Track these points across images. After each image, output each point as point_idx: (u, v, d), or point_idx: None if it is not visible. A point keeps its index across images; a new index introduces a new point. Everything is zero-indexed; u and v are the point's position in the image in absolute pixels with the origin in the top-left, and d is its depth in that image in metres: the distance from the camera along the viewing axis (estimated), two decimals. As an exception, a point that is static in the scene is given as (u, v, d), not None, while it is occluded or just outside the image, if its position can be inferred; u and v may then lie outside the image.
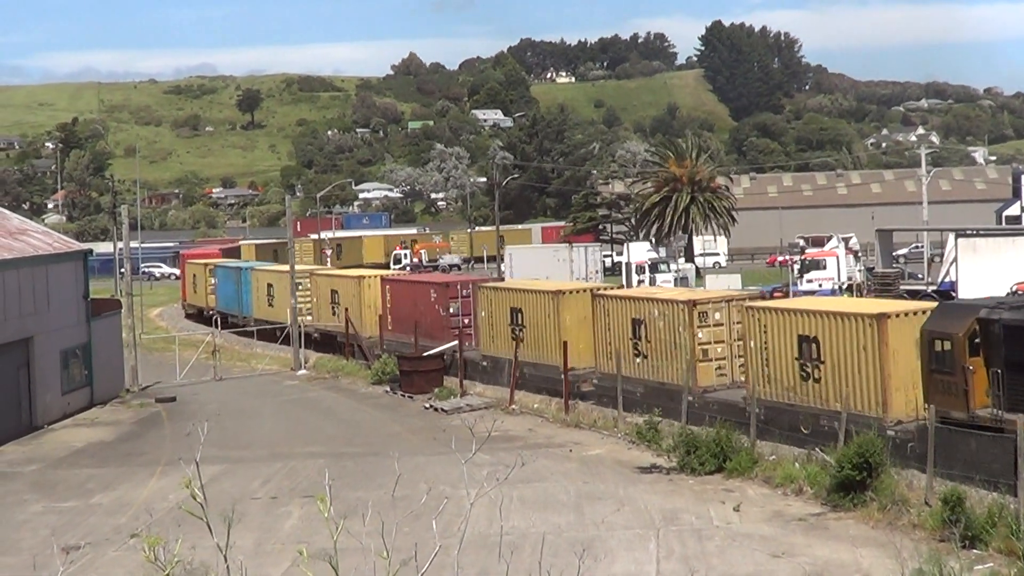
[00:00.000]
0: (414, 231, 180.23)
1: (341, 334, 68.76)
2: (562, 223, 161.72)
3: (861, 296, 69.13)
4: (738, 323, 43.52)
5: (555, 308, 51.20)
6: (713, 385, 44.19)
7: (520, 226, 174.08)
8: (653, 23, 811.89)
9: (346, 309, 68.63)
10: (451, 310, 59.07)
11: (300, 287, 72.13)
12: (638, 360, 46.44)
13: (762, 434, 38.84)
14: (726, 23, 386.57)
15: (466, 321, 58.57)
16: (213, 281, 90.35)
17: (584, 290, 52.72)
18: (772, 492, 34.80)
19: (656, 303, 46.14)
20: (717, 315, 44.54)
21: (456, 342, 57.35)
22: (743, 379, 42.48)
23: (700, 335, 44.14)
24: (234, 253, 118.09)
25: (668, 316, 45.06)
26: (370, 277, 69.07)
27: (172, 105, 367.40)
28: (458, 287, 60.04)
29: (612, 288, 55.41)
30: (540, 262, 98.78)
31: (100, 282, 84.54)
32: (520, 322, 53.47)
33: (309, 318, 72.63)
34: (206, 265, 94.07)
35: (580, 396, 49.85)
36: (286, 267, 77.15)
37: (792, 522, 31.65)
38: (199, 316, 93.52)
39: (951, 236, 71.98)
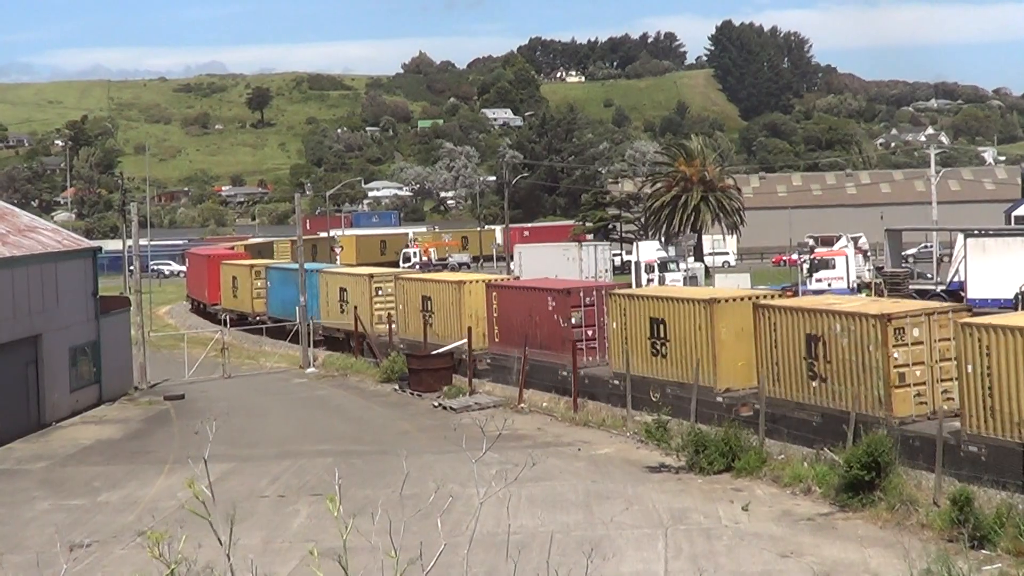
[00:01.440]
0: (423, 229, 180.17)
1: (438, 346, 59.25)
2: (570, 222, 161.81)
3: (881, 295, 68.94)
4: (941, 340, 37.52)
5: (708, 319, 43.86)
6: (912, 415, 37.39)
7: (530, 225, 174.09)
8: (663, 22, 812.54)
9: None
10: (572, 320, 51.87)
11: (380, 292, 67.79)
12: (814, 384, 39.39)
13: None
14: (736, 23, 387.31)
15: (589, 333, 51.92)
16: (260, 284, 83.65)
17: (742, 298, 45.13)
18: (780, 491, 34.74)
19: (839, 316, 38.96)
20: (916, 331, 38.10)
21: (464, 340, 57.27)
22: (948, 407, 35.90)
23: (896, 355, 37.55)
24: (266, 252, 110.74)
25: (855, 332, 38.11)
26: (473, 282, 60.36)
27: (182, 103, 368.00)
28: (580, 294, 52.96)
29: (777, 296, 47.43)
30: (549, 261, 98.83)
31: (109, 280, 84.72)
32: (662, 335, 45.91)
33: (392, 325, 65.95)
34: (252, 267, 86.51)
35: (740, 422, 40.83)
36: (365, 270, 74.28)
37: (800, 522, 31.59)
38: (199, 311, 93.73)
39: (960, 236, 71.91)
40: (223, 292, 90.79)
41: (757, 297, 44.93)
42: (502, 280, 63.00)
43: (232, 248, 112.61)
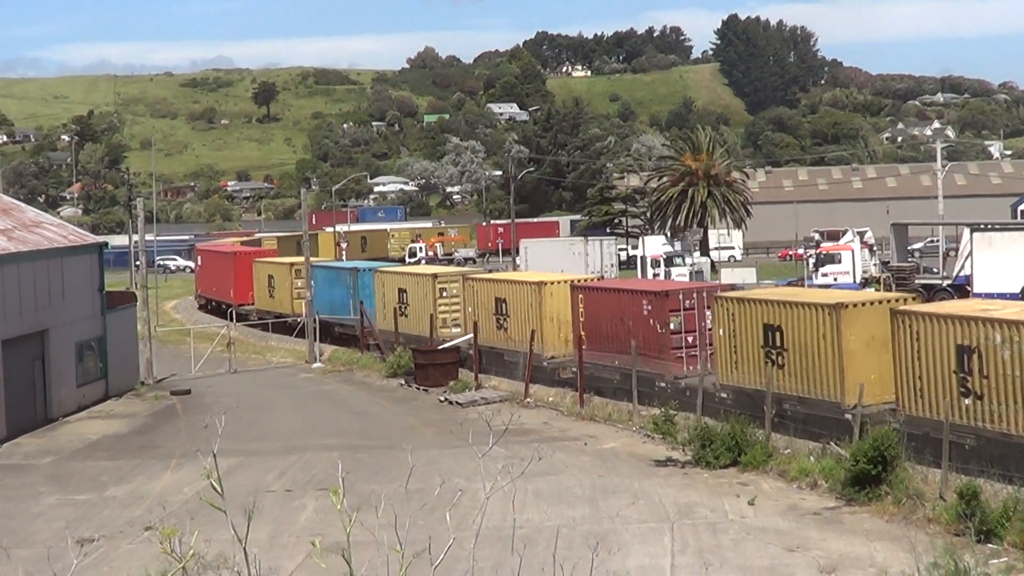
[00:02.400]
0: (428, 224, 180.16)
1: (512, 353, 55.23)
2: (576, 216, 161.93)
3: (890, 290, 68.88)
4: None
5: (833, 326, 39.33)
6: None
7: (536, 219, 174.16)
8: (669, 17, 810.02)
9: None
10: (671, 326, 46.76)
11: (445, 293, 62.50)
12: (967, 402, 34.86)
13: None
14: (742, 17, 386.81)
15: (690, 339, 46.95)
16: (300, 283, 76.59)
17: (874, 303, 40.76)
18: (787, 486, 34.77)
19: (999, 325, 34.18)
20: None
21: (471, 335, 57.27)
22: None
23: None
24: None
25: (1020, 343, 33.48)
26: (554, 283, 54.64)
27: (188, 98, 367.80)
28: (679, 296, 47.60)
29: (912, 300, 42.33)
30: (555, 256, 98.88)
31: (115, 275, 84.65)
32: (779, 343, 40.98)
33: (455, 329, 61.26)
34: (292, 265, 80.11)
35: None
36: (428, 269, 70.25)
37: (807, 516, 31.61)
38: (215, 311, 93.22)
39: (966, 230, 71.82)
40: (257, 292, 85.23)
41: (895, 302, 40.13)
42: (589, 281, 56.75)
43: (240, 243, 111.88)
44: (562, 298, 53.18)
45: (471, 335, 57.25)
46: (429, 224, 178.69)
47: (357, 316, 68.72)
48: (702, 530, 30.71)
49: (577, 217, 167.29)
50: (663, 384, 45.86)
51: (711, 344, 45.35)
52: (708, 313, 46.18)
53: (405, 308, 64.93)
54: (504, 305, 56.68)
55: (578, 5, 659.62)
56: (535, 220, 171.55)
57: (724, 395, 42.95)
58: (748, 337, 42.20)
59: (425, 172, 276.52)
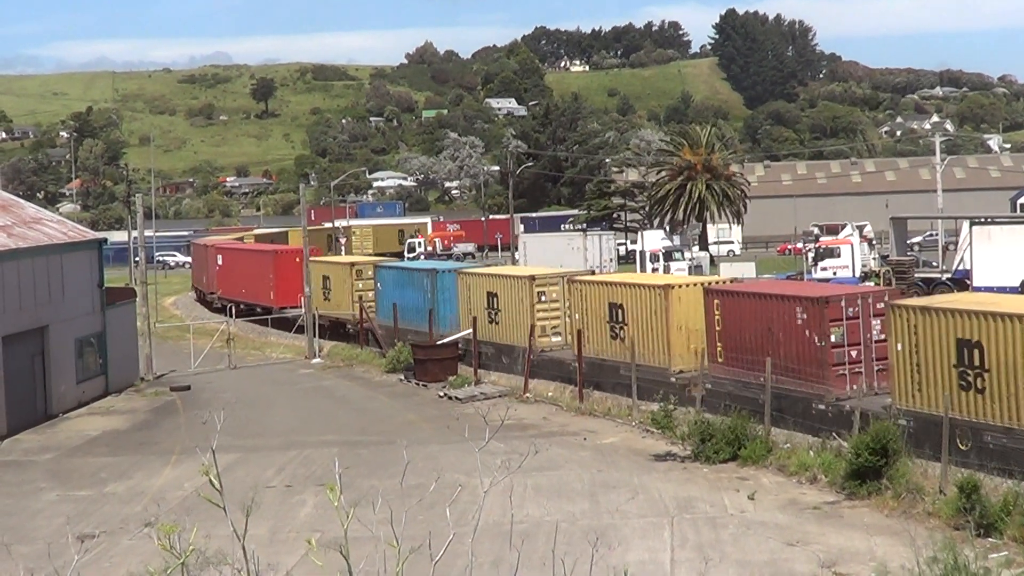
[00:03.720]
0: (426, 220, 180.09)
1: (640, 367, 46.55)
2: (575, 211, 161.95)
3: (889, 284, 68.89)
4: None
5: None
6: None
7: (535, 214, 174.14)
8: (667, 11, 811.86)
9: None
10: (832, 338, 40.03)
11: (544, 297, 55.01)
12: None
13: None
14: (740, 11, 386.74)
15: (853, 354, 40.08)
16: (362, 285, 70.42)
17: None
18: (786, 480, 34.78)
19: None
20: None
21: (470, 330, 57.24)
22: None
23: None
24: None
25: None
26: (683, 286, 47.73)
27: (186, 94, 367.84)
28: (841, 303, 40.48)
29: None
30: (554, 250, 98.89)
31: (115, 271, 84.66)
32: (976, 363, 33.80)
33: (555, 338, 54.82)
34: (352, 266, 72.89)
35: None
36: (525, 271, 63.25)
37: (806, 510, 31.62)
38: (245, 313, 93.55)
39: (966, 224, 71.78)
40: (316, 294, 73.81)
41: None
42: (726, 284, 49.21)
43: (252, 239, 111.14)
44: (692, 303, 46.07)
45: (469, 331, 57.24)
46: (428, 219, 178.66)
47: (437, 324, 61.09)
48: (702, 525, 30.72)
49: (571, 213, 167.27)
50: (822, 407, 39.38)
51: (877, 359, 39.70)
52: (874, 323, 40.15)
53: (496, 314, 57.10)
54: (620, 311, 48.94)
55: (576, 0, 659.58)
56: (535, 215, 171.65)
57: (904, 421, 35.57)
58: (935, 354, 35.34)
59: (423, 167, 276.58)
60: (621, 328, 48.62)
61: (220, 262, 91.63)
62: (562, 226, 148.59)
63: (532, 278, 55.64)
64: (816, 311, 40.41)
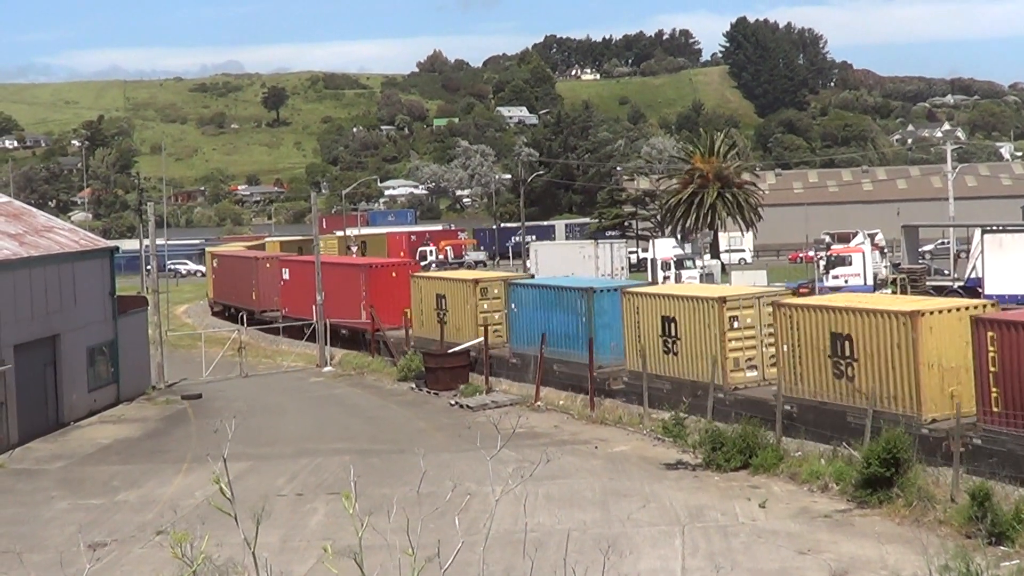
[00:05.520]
0: (438, 227, 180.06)
1: (860, 412, 37.61)
2: (585, 219, 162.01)
3: (904, 292, 68.81)
4: None
5: None
6: None
7: (545, 223, 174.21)
8: (678, 20, 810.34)
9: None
10: None
11: (737, 323, 45.39)
12: None
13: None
14: (751, 19, 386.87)
15: None
16: (487, 306, 60.84)
17: None
18: (798, 488, 34.74)
19: None
20: None
21: (480, 339, 57.11)
22: None
23: None
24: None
25: None
26: (936, 312, 37.74)
27: (198, 103, 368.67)
28: None
29: None
30: (565, 258, 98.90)
31: (126, 279, 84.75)
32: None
33: (751, 373, 45.24)
34: (476, 283, 61.75)
35: None
36: (714, 290, 51.89)
37: (818, 518, 31.58)
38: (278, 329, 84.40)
39: (977, 232, 71.74)
40: (423, 316, 65.56)
41: None
42: (1003, 311, 39.34)
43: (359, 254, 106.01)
44: (948, 334, 37.05)
45: (480, 339, 57.07)
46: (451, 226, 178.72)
47: (601, 352, 50.52)
48: (713, 533, 30.69)
49: (580, 221, 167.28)
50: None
51: None
52: None
53: (673, 343, 47.19)
54: (848, 344, 39.21)
55: (587, 8, 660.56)
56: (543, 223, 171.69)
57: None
58: None
59: (435, 176, 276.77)
60: (849, 365, 39.23)
61: (287, 276, 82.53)
62: (565, 236, 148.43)
63: (722, 300, 45.51)
64: None
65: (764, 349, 44.66)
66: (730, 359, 44.68)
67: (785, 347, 41.49)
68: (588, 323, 51.87)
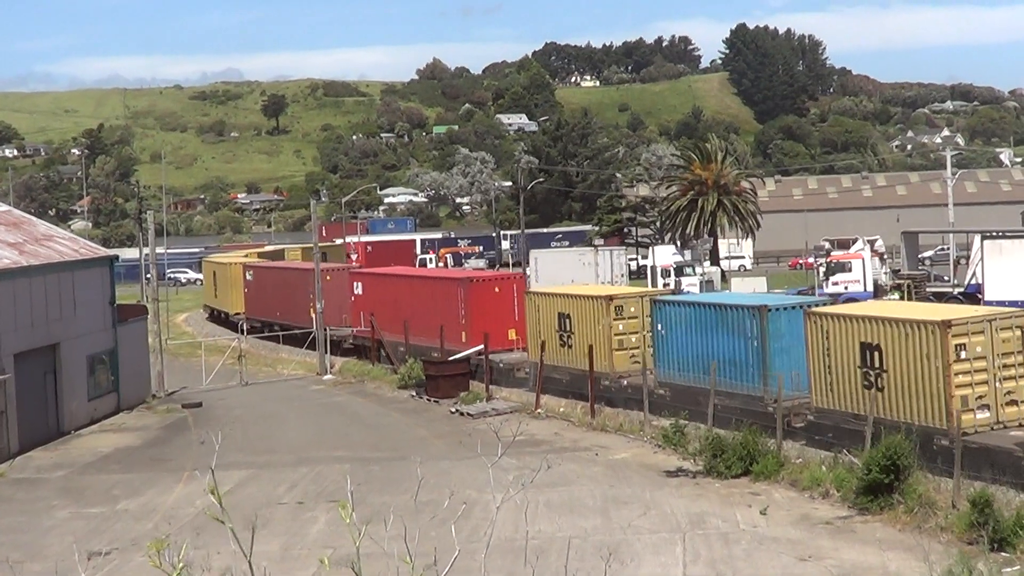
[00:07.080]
0: (439, 235, 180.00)
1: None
2: (586, 227, 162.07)
3: (909, 298, 68.78)
4: None
5: None
6: None
7: (545, 230, 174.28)
8: (677, 26, 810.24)
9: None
10: None
11: (964, 352, 35.36)
12: None
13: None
14: (750, 26, 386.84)
15: None
16: (622, 326, 51.57)
17: None
18: (799, 495, 34.70)
19: None
20: None
21: (481, 346, 57.11)
22: None
23: None
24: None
25: None
26: None
27: (197, 111, 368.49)
28: None
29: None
30: (565, 266, 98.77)
31: (126, 288, 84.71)
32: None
33: (982, 414, 35.45)
34: (610, 300, 52.03)
35: None
36: (927, 312, 38.82)
37: (819, 525, 31.55)
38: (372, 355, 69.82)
39: (977, 238, 71.69)
40: (540, 337, 54.24)
41: None
42: None
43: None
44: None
45: (480, 347, 57.06)
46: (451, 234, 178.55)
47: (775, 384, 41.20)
48: (714, 540, 30.66)
49: (577, 229, 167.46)
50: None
51: None
52: None
53: (877, 377, 37.67)
54: None
55: (586, 15, 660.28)
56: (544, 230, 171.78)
57: None
58: None
59: (435, 183, 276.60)
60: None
61: (359, 291, 73.62)
62: (551, 243, 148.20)
63: (947, 324, 35.71)
64: None
65: (998, 385, 35.77)
66: (956, 397, 35.44)
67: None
68: (762, 348, 43.34)
